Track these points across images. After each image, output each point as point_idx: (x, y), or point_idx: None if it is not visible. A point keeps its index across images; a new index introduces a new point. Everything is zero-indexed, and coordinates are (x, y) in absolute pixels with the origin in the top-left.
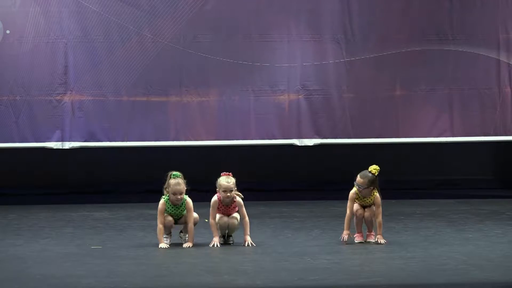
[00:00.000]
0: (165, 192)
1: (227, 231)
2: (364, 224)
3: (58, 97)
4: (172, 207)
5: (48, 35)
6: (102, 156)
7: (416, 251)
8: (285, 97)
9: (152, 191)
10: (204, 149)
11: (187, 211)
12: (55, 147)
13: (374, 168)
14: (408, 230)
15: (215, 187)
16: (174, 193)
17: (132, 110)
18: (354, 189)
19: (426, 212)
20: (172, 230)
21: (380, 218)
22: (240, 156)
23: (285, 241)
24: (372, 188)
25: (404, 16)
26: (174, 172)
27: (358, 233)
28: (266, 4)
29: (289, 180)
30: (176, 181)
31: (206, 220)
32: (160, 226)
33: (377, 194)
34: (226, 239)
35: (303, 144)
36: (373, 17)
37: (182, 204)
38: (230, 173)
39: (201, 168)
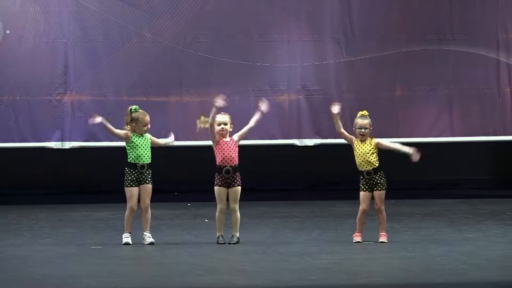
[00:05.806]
0: (127, 128)
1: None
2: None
3: (58, 97)
4: (138, 137)
5: (48, 35)
6: (102, 156)
7: (416, 251)
8: (285, 97)
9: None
10: (204, 149)
11: (152, 141)
12: (55, 147)
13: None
14: (408, 230)
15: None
16: (145, 124)
17: None
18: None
19: (426, 212)
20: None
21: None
22: (240, 156)
23: (285, 241)
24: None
25: (404, 16)
26: (134, 107)
27: (358, 232)
28: (266, 4)
29: (289, 180)
30: (143, 111)
31: (207, 220)
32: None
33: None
34: (230, 239)
35: (303, 144)
36: (373, 17)
37: (146, 136)
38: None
39: (201, 169)
